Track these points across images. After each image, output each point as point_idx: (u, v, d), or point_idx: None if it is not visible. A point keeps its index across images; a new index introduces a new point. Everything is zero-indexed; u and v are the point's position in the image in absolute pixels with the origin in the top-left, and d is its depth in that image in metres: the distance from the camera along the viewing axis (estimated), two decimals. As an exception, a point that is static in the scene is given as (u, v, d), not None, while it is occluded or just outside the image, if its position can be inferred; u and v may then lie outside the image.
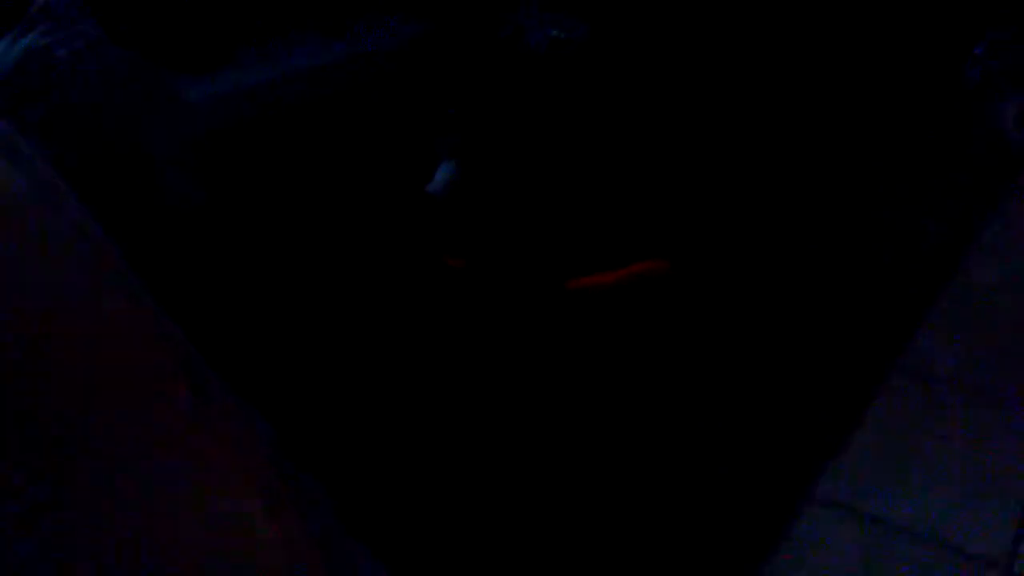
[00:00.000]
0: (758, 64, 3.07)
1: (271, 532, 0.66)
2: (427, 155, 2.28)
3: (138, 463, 0.61)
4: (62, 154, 1.20)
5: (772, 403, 1.82)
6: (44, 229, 0.69)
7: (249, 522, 0.66)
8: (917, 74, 3.13)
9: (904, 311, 2.10)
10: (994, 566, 1.54)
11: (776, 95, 2.96)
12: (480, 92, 2.63)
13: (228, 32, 2.41)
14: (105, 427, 0.61)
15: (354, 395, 1.64)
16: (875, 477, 1.70)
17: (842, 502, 1.67)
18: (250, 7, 2.56)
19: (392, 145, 2.30)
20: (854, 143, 2.81)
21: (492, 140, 2.43)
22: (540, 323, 1.86)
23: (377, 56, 2.58)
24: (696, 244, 2.25)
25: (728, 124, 2.78)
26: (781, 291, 2.12)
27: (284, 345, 1.62)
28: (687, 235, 2.27)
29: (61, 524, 0.56)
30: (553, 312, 1.90)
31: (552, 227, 2.19)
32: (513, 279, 1.93)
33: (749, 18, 3.21)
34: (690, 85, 2.88)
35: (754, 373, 1.88)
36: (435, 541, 1.49)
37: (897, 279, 2.21)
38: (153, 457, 0.63)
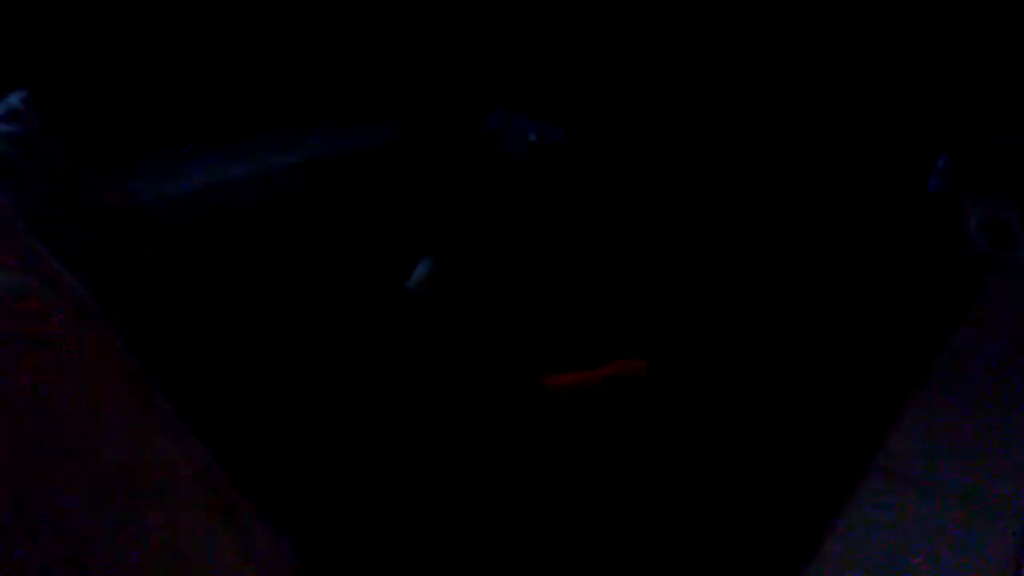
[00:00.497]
0: (729, 168, 3.15)
1: None
2: (407, 253, 2.30)
3: None
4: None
5: (750, 504, 1.81)
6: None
7: None
8: (881, 187, 3.23)
9: (878, 415, 2.12)
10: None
11: (746, 199, 3.03)
12: (458, 192, 2.67)
13: (198, 130, 2.45)
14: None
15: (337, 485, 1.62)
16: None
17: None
18: (223, 102, 2.60)
19: (372, 243, 2.32)
20: (822, 252, 2.87)
21: (470, 239, 2.46)
22: (516, 421, 1.85)
23: (356, 155, 2.62)
24: (673, 345, 2.26)
25: (701, 225, 2.84)
26: (757, 391, 2.13)
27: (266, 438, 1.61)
28: (663, 335, 2.29)
29: None
30: (529, 410, 1.90)
31: (528, 325, 2.20)
32: (489, 377, 1.94)
33: (721, 125, 3.30)
34: (665, 188, 2.95)
35: (731, 475, 1.88)
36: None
37: (870, 384, 2.23)
38: None
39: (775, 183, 3.14)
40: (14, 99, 1.58)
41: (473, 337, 2.05)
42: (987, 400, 2.22)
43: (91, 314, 0.71)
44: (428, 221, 2.47)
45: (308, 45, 2.88)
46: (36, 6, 2.19)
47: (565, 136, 3.06)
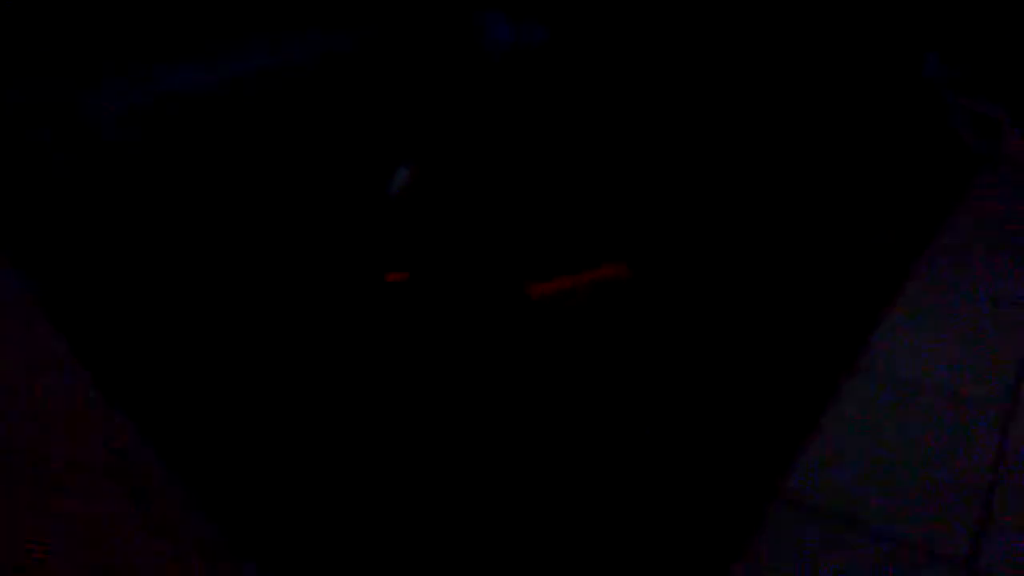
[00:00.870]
0: (717, 66, 3.07)
1: None
2: (387, 159, 2.25)
3: None
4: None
5: (732, 402, 1.80)
6: None
7: None
8: (875, 73, 3.16)
9: (859, 314, 2.11)
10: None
11: (736, 96, 2.97)
12: (438, 96, 2.60)
13: (164, 35, 2.36)
14: None
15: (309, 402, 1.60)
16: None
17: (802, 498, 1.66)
18: (191, 4, 2.51)
19: (352, 149, 2.27)
20: (814, 143, 2.82)
21: (450, 143, 2.41)
22: (500, 330, 1.83)
23: (331, 59, 2.55)
24: (655, 248, 2.24)
25: (686, 126, 2.78)
26: (738, 292, 2.11)
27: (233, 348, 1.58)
28: (646, 239, 2.26)
29: None
30: (513, 318, 1.88)
31: (510, 232, 2.16)
32: (472, 285, 1.91)
33: (709, 20, 3.21)
34: (649, 89, 2.88)
35: (712, 376, 1.87)
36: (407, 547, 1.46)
37: (853, 283, 2.21)
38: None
39: (766, 77, 3.08)
40: None
41: (455, 244, 2.01)
42: (975, 296, 2.21)
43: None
44: (408, 126, 2.41)
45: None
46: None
47: (548, 35, 2.98)
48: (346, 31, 2.69)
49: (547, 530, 1.53)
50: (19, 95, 1.54)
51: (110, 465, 0.69)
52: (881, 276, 2.26)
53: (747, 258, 2.25)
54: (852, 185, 2.66)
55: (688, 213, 2.42)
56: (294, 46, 2.48)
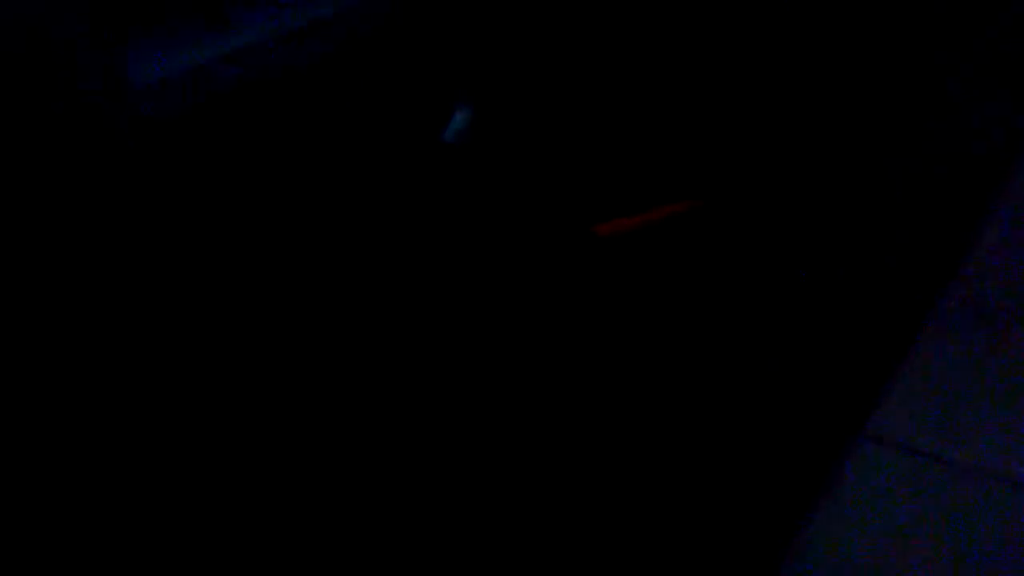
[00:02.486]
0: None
1: None
2: (441, 103, 2.18)
3: None
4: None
5: (815, 338, 1.73)
6: None
7: None
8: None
9: (937, 260, 2.00)
10: None
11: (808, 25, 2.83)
12: (493, 32, 2.51)
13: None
14: None
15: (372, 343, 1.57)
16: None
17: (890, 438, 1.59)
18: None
19: (404, 96, 2.20)
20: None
21: (508, 82, 2.33)
22: (568, 271, 1.77)
23: (379, 6, 2.47)
24: (727, 181, 2.14)
25: (758, 52, 2.66)
26: (824, 214, 2.02)
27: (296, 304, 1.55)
28: (717, 172, 2.17)
29: None
30: (581, 259, 1.81)
31: (576, 169, 2.09)
32: (537, 227, 1.85)
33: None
34: (715, 13, 2.76)
35: (791, 314, 1.79)
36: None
37: (920, 222, 2.10)
38: None
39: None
40: None
41: (518, 187, 1.95)
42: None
43: None
44: (461, 67, 2.33)
45: None
46: None
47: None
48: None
49: (643, 453, 1.49)
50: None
51: None
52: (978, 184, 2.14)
53: (833, 176, 2.15)
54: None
55: (764, 138, 2.31)
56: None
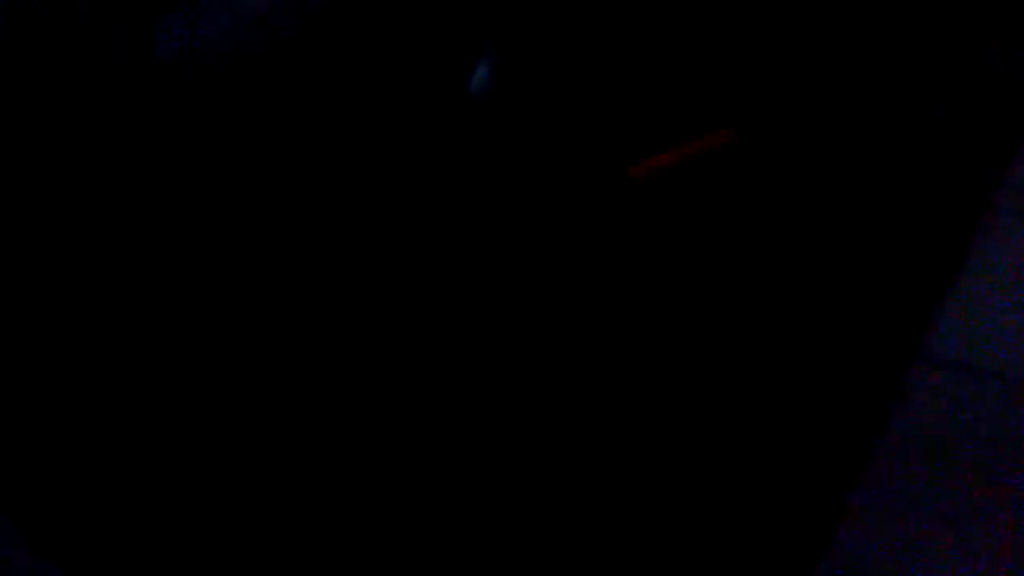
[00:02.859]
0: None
1: None
2: (462, 54, 2.14)
3: None
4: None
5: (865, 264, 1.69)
6: None
7: None
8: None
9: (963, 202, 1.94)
10: None
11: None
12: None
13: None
14: None
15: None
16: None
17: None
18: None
19: (422, 49, 2.17)
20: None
21: (531, 28, 2.28)
22: (605, 217, 1.74)
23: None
24: (763, 108, 2.09)
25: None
26: (865, 146, 1.96)
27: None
28: (751, 100, 2.11)
29: None
30: (618, 203, 1.78)
31: (606, 113, 2.05)
32: (571, 175, 1.81)
33: None
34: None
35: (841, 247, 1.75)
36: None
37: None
38: None
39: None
40: None
41: (550, 136, 1.92)
42: None
43: None
44: (481, 16, 2.29)
45: None
46: None
47: None
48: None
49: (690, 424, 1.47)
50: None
51: None
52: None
53: (874, 106, 2.09)
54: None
55: (799, 65, 2.24)
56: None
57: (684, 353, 1.56)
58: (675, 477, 1.40)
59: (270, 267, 1.62)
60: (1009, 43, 2.19)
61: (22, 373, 1.48)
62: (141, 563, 1.28)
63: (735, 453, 1.44)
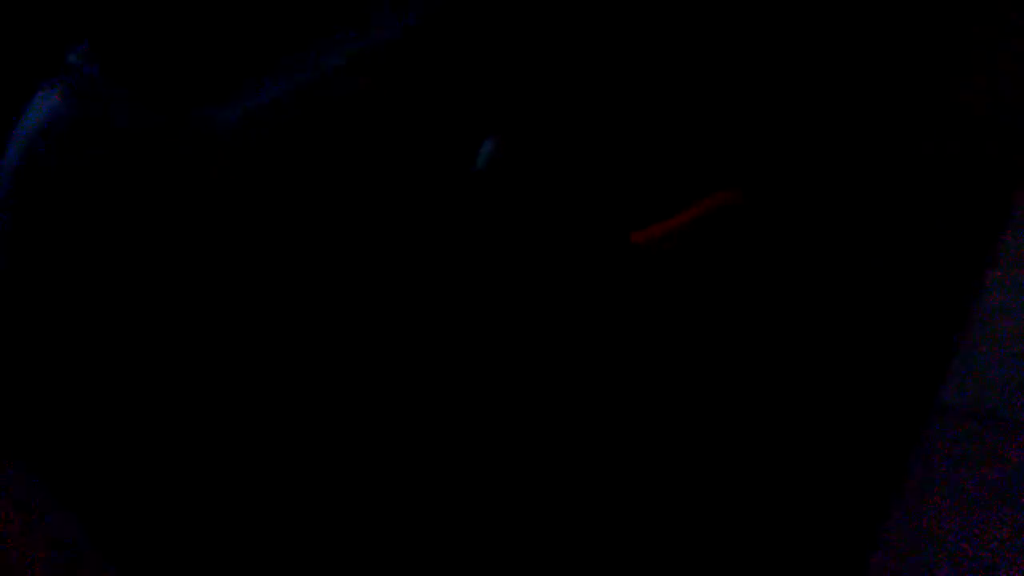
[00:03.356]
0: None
1: None
2: (467, 135, 2.19)
3: None
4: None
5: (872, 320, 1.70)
6: None
7: None
8: None
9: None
10: None
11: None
12: (517, 57, 2.52)
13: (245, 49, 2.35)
14: None
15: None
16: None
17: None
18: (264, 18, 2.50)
19: (428, 132, 2.22)
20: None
21: (537, 104, 2.33)
22: (610, 284, 1.77)
23: (397, 41, 2.50)
24: (769, 168, 2.12)
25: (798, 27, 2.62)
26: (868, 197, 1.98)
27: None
28: (757, 160, 2.14)
29: None
30: (623, 270, 1.81)
31: (612, 181, 2.08)
32: (578, 241, 1.85)
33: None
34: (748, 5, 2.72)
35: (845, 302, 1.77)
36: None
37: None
38: None
39: None
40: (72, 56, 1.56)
41: (556, 210, 1.95)
42: None
43: None
44: (487, 93, 2.34)
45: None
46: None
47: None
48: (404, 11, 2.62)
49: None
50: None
51: None
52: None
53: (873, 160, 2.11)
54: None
55: (801, 124, 2.27)
56: (350, 40, 2.43)
57: (693, 413, 1.57)
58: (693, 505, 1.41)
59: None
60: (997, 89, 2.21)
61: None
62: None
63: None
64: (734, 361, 1.66)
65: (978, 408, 1.56)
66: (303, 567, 1.33)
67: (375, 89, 2.34)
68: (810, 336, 1.70)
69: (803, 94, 2.33)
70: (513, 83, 2.40)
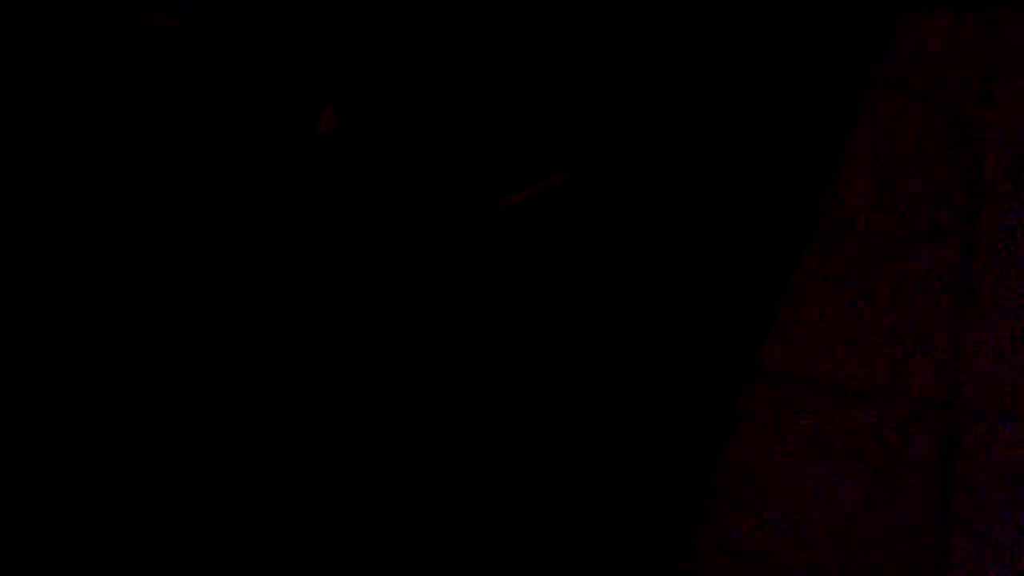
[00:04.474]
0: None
1: None
2: (308, 102, 2.18)
3: None
4: None
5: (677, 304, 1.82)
6: None
7: None
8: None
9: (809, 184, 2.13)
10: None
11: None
12: (358, 29, 2.53)
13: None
14: None
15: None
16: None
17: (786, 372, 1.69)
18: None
19: (271, 98, 2.20)
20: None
21: (379, 75, 2.35)
22: (457, 248, 1.81)
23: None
24: (599, 154, 2.23)
25: (626, 25, 2.75)
26: (679, 192, 2.12)
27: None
28: (589, 147, 2.25)
29: None
30: (469, 236, 1.86)
31: (455, 152, 2.13)
32: (422, 209, 1.88)
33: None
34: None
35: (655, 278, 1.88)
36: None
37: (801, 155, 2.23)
38: None
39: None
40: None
41: (395, 176, 1.98)
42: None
43: None
44: (328, 63, 2.34)
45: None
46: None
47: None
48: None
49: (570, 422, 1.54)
50: None
51: None
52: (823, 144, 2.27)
53: (683, 145, 2.25)
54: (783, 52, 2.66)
55: (628, 119, 2.40)
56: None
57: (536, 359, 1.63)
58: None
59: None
60: None
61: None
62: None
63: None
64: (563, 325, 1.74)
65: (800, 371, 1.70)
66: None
67: (206, 45, 2.29)
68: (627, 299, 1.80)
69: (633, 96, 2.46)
70: (351, 53, 2.40)
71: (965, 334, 1.73)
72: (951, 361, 1.68)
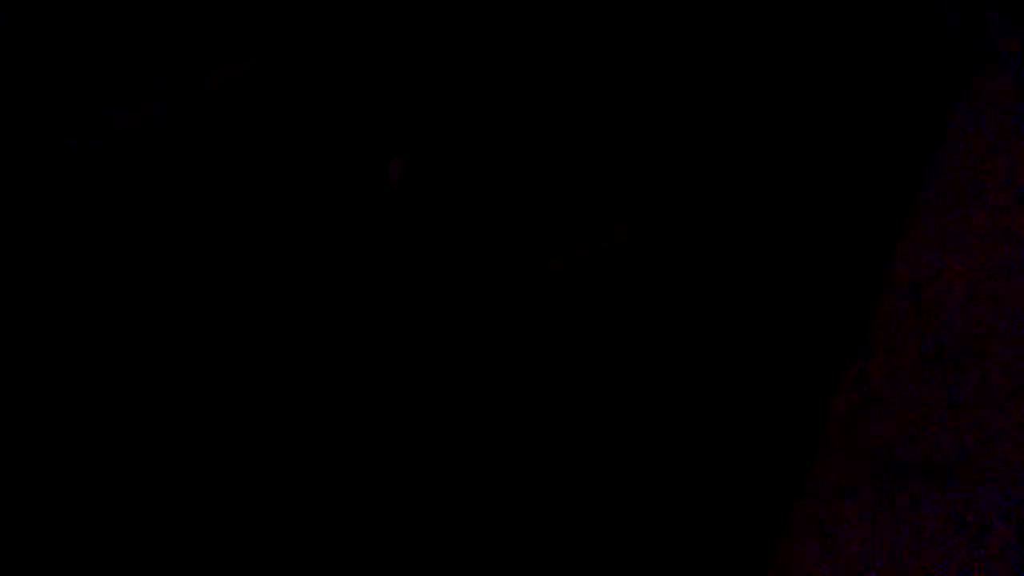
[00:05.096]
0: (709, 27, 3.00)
1: None
2: (380, 150, 2.21)
3: None
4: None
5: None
6: None
7: None
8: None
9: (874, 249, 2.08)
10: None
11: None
12: (429, 79, 2.55)
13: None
14: None
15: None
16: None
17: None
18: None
19: (342, 146, 2.23)
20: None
21: (447, 125, 2.37)
22: (516, 308, 1.82)
23: (307, 57, 2.50)
24: (660, 209, 2.21)
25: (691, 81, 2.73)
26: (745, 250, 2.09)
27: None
28: (650, 202, 2.23)
29: None
30: (531, 293, 1.86)
31: (518, 207, 2.14)
32: (483, 264, 1.89)
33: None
34: (648, 54, 2.82)
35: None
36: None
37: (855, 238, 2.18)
38: None
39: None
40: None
41: (461, 228, 1.99)
42: None
43: None
44: (396, 111, 2.37)
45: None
46: None
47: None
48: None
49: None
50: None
51: None
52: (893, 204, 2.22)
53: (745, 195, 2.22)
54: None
55: (693, 172, 2.38)
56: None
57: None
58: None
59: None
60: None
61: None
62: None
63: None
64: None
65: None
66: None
67: (275, 100, 2.34)
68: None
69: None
70: (422, 104, 2.43)
71: None
72: None
